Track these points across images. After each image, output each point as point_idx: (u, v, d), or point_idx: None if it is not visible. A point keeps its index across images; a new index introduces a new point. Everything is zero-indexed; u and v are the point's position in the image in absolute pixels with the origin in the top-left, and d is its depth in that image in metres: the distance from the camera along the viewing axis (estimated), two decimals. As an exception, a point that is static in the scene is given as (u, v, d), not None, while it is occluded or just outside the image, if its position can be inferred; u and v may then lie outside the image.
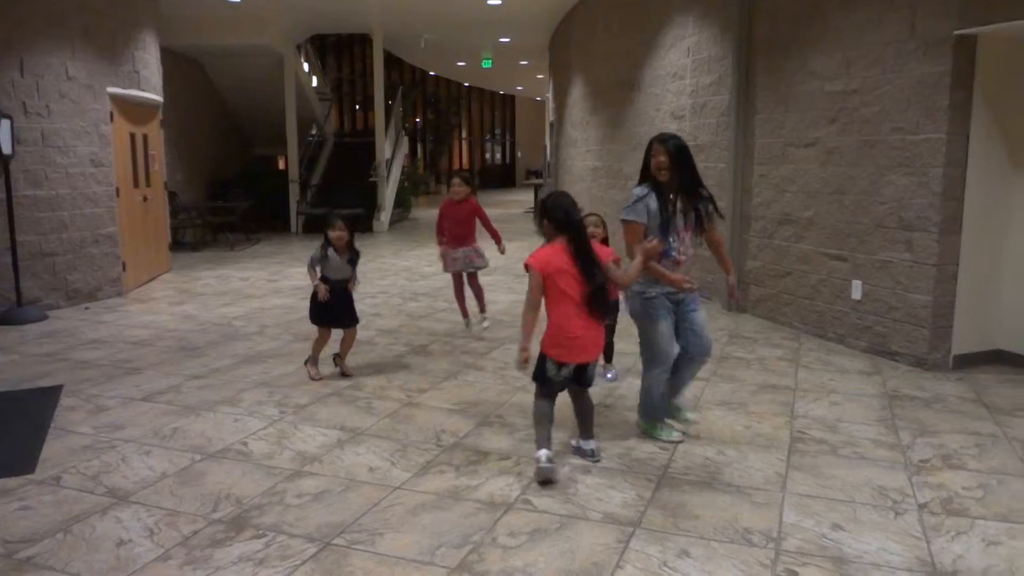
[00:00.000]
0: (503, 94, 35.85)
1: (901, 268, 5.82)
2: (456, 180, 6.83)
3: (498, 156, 37.97)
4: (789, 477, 3.83)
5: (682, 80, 8.81)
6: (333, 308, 5.43)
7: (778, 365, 5.85)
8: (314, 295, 5.39)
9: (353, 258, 5.43)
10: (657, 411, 4.36)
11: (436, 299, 8.64)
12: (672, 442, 4.29)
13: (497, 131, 37.41)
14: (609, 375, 5.55)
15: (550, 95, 17.47)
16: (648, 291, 4.18)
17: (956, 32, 5.31)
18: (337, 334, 5.63)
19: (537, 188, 20.41)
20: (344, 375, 5.56)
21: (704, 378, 5.50)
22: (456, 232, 6.72)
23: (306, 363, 5.63)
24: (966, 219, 5.57)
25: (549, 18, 14.65)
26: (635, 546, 3.15)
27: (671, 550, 3.12)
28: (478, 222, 6.76)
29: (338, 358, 5.64)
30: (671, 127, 9.10)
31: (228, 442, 4.33)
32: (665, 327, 4.19)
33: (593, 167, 12.39)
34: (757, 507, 3.50)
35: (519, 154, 38.23)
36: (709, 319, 7.42)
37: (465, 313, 7.05)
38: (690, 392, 5.16)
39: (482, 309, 7.09)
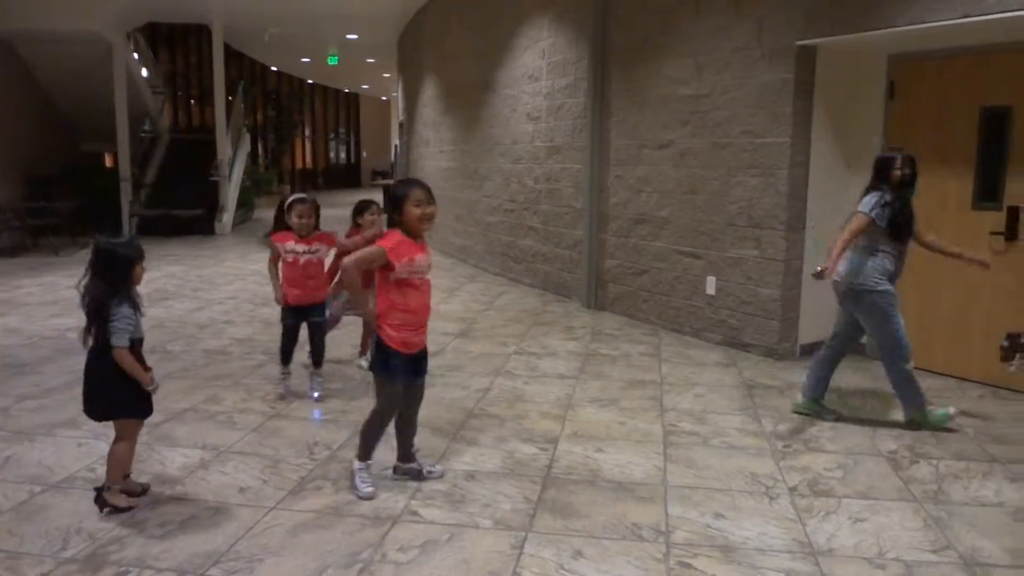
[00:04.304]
0: (348, 92, 35.07)
1: (751, 264, 6.14)
2: (374, 208, 5.54)
3: (342, 156, 37.10)
4: (668, 470, 3.92)
5: (538, 82, 8.91)
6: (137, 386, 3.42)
7: (642, 360, 6.02)
8: (129, 381, 3.37)
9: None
10: (922, 396, 4.52)
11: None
12: (951, 418, 4.48)
13: (341, 130, 36.56)
14: (316, 395, 5.04)
15: (399, 94, 17.24)
16: (881, 284, 4.38)
17: (798, 42, 5.66)
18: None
19: (388, 189, 20.07)
20: (143, 493, 3.61)
21: (573, 376, 5.57)
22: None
23: (105, 492, 3.45)
24: (809, 217, 5.96)
25: (400, 15, 14.44)
26: (529, 551, 3.11)
27: (566, 552, 3.10)
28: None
29: (119, 480, 3.52)
30: (527, 128, 9.19)
31: (72, 470, 3.91)
32: (901, 318, 4.45)
33: (447, 168, 12.32)
34: (642, 502, 3.56)
35: (364, 154, 37.55)
36: (568, 317, 7.64)
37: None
38: (557, 391, 5.22)
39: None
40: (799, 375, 5.60)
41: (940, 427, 4.48)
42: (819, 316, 6.16)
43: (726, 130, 6.29)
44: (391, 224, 3.54)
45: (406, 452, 3.81)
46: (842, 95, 5.98)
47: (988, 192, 5.35)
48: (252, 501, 3.55)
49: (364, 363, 5.62)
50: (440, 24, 12.53)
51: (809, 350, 6.10)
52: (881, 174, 4.50)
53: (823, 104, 5.88)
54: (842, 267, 4.47)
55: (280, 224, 4.95)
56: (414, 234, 3.51)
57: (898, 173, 4.44)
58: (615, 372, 5.69)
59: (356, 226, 5.53)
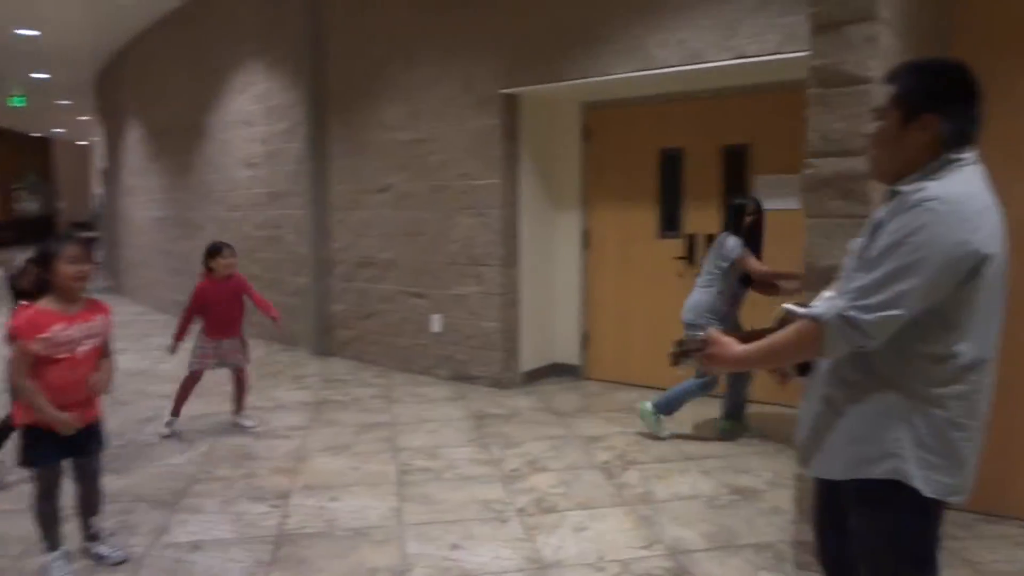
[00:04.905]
0: (38, 136, 31.52)
1: (473, 300, 6.42)
2: (228, 251, 5.23)
3: (34, 207, 33.09)
4: (403, 510, 3.95)
5: (253, 127, 8.66)
6: None
7: (373, 403, 6.01)
8: None
9: None
10: (675, 411, 4.96)
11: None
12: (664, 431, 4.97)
13: (32, 178, 32.66)
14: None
15: (101, 138, 15.85)
16: (708, 321, 4.58)
17: (502, 91, 6.07)
18: None
19: (91, 241, 18.27)
20: None
21: (304, 426, 5.42)
22: (226, 318, 5.27)
23: None
24: (522, 253, 6.37)
25: (95, 54, 13.29)
26: (261, 614, 2.96)
27: (300, 609, 3.00)
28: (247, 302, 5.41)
29: None
30: (244, 174, 8.88)
31: None
32: None
33: (158, 217, 11.51)
34: (379, 545, 3.55)
35: (62, 204, 33.86)
36: (296, 366, 7.43)
37: (178, 412, 5.31)
38: (288, 444, 5.06)
39: (242, 407, 5.50)
40: (524, 402, 5.93)
41: (649, 427, 4.98)
42: (537, 344, 6.60)
43: (443, 174, 6.55)
44: (39, 286, 3.18)
45: (88, 533, 3.47)
46: (545, 139, 6.51)
47: (670, 223, 6.08)
48: (-78, 614, 3.03)
49: (165, 428, 5.27)
50: (144, 65, 11.75)
51: (531, 377, 6.50)
52: (733, 220, 4.85)
53: (528, 148, 6.35)
54: (687, 303, 4.86)
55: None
56: (66, 297, 3.15)
57: (749, 219, 4.82)
58: (347, 418, 5.63)
59: (208, 270, 5.18)
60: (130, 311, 11.46)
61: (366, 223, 7.31)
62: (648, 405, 5.00)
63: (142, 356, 7.60)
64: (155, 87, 11.30)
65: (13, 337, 3.07)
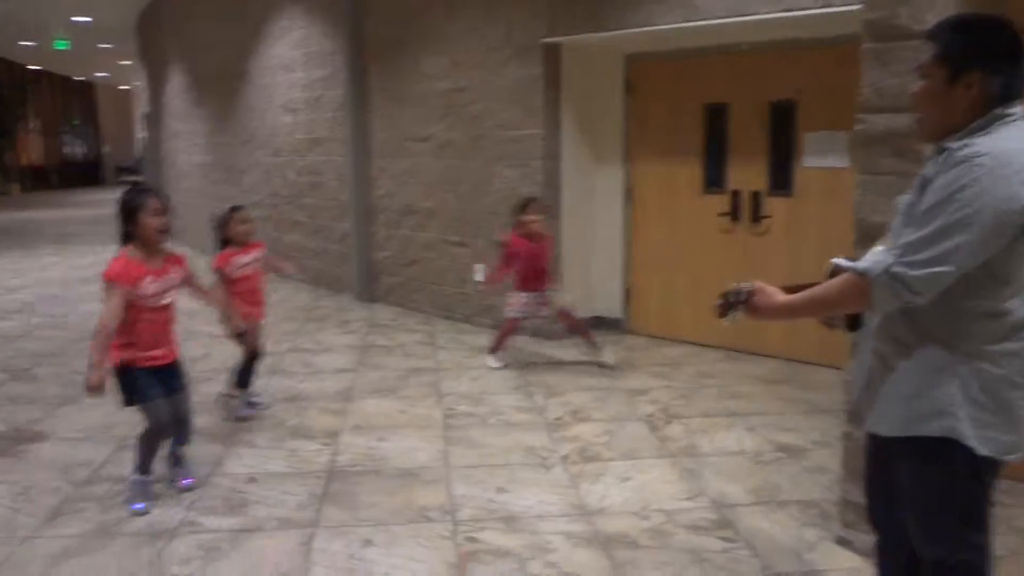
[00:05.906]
0: (82, 80, 31.79)
1: (515, 250, 6.46)
2: (534, 207, 5.50)
3: (80, 150, 33.53)
4: (449, 453, 4.08)
5: (293, 73, 8.70)
6: None
7: (418, 349, 6.14)
8: None
9: None
10: None
11: (31, 315, 7.48)
12: None
13: (76, 122, 33.05)
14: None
15: (143, 83, 16.00)
16: None
17: (543, 40, 6.03)
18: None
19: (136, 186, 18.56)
20: None
21: (352, 369, 5.58)
22: (530, 273, 5.51)
23: None
24: (563, 204, 6.38)
25: (136, -2, 13.39)
26: (318, 545, 3.12)
27: (355, 542, 3.14)
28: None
29: None
30: (285, 120, 8.96)
31: None
32: None
33: (202, 162, 11.68)
34: (427, 485, 3.68)
35: (106, 148, 34.28)
36: (342, 311, 7.58)
37: (497, 348, 5.70)
38: (336, 385, 5.21)
39: (591, 341, 5.65)
40: (567, 353, 6.00)
41: None
42: (580, 298, 6.62)
43: (482, 123, 6.55)
44: (125, 238, 3.33)
45: (175, 458, 3.71)
46: (587, 91, 6.45)
47: (715, 179, 6.03)
48: (0, 533, 3.22)
49: (493, 362, 5.66)
50: (184, 9, 11.79)
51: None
52: None
53: (570, 99, 6.30)
54: None
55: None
56: (150, 249, 3.32)
57: None
58: (392, 362, 5.77)
59: (518, 224, 5.46)
60: (175, 255, 11.69)
61: (408, 171, 7.36)
62: None
63: (187, 298, 7.80)
64: (196, 32, 11.35)
65: (111, 282, 3.21)
